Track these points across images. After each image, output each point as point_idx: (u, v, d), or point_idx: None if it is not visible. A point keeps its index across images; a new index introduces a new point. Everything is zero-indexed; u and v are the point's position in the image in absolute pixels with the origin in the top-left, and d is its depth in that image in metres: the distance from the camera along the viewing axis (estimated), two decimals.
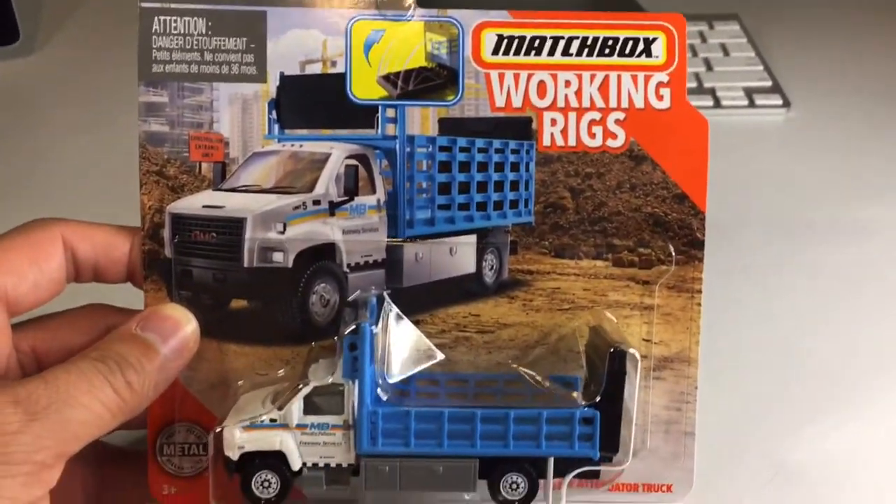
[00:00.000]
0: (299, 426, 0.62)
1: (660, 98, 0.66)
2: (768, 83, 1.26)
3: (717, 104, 1.22)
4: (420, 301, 0.67)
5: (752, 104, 1.22)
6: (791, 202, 1.03)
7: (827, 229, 0.99)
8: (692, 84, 1.25)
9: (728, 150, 1.08)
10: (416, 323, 0.67)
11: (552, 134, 0.66)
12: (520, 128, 0.66)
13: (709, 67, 1.30)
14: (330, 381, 0.61)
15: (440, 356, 0.64)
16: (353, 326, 0.61)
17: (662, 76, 0.66)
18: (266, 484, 0.62)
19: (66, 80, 1.30)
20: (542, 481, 0.63)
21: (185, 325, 0.62)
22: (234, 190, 0.66)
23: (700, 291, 0.68)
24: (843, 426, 0.77)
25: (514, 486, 0.63)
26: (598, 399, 0.62)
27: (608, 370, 0.62)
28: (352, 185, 0.66)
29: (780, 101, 1.23)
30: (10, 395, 0.54)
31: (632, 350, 0.62)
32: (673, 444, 0.69)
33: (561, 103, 0.66)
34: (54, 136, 1.17)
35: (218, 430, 0.63)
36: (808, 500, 0.70)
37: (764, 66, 1.30)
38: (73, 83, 1.28)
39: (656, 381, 0.68)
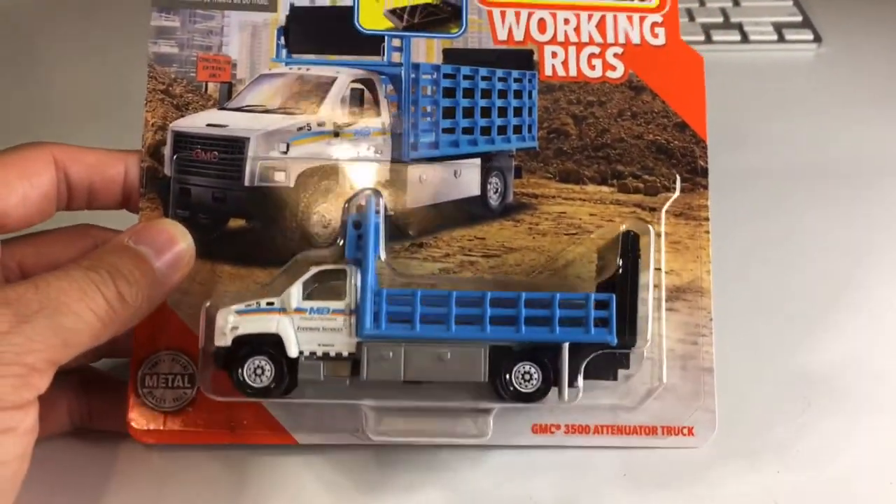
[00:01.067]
0: (298, 310, 0.58)
1: (655, 36, 0.69)
2: (798, 18, 1.18)
3: (745, 39, 1.13)
4: (424, 223, 0.65)
5: (781, 39, 1.14)
6: (821, 140, 0.97)
7: (856, 165, 0.93)
8: (718, 19, 1.16)
9: (756, 86, 1.03)
10: (420, 246, 0.65)
11: (553, 65, 0.68)
12: (522, 59, 0.68)
13: (735, 2, 1.20)
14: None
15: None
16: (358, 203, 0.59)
17: (657, 17, 0.69)
18: (259, 371, 0.57)
19: (71, 16, 1.19)
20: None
21: (180, 240, 0.60)
22: (239, 109, 0.67)
23: (707, 219, 0.66)
24: (875, 348, 0.73)
25: (528, 376, 0.58)
26: (613, 283, 0.59)
27: (621, 252, 0.60)
28: (357, 108, 0.67)
29: (810, 37, 1.15)
30: (0, 297, 0.51)
31: (648, 226, 0.60)
32: (692, 382, 0.65)
33: (561, 38, 0.69)
34: (57, 73, 1.09)
35: (207, 304, 0.59)
36: (846, 430, 0.65)
37: (793, 1, 1.21)
38: (78, 19, 1.19)
39: (669, 312, 0.65)
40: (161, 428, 0.62)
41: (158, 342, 0.63)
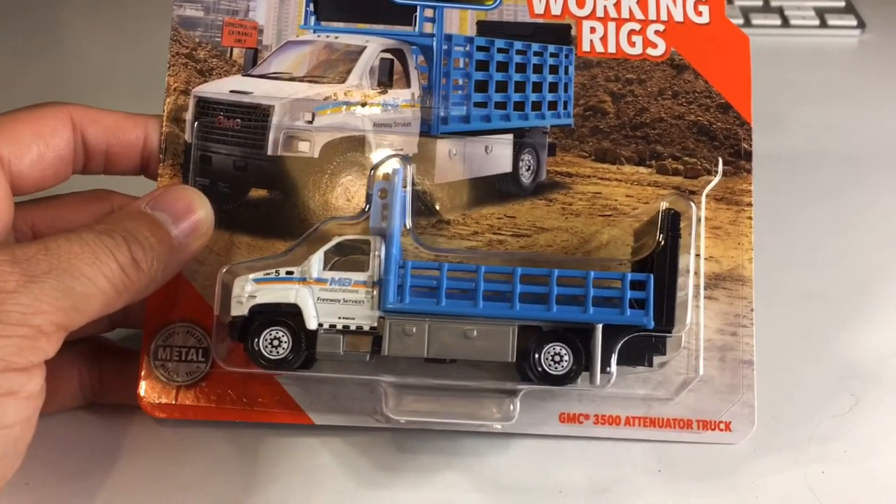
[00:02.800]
0: (319, 280, 0.55)
1: (699, 14, 0.66)
2: (841, 3, 1.14)
3: (786, 24, 1.09)
4: (453, 199, 0.62)
5: (823, 24, 1.10)
6: (864, 127, 0.93)
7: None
8: (758, 2, 1.13)
9: (797, 72, 1.00)
10: (447, 223, 0.62)
11: (591, 41, 0.65)
12: (559, 33, 0.65)
13: None
14: None
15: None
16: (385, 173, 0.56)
17: None
18: (276, 343, 0.54)
19: None
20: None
21: (198, 207, 0.57)
22: (264, 76, 0.64)
23: (750, 204, 0.63)
24: None
25: (558, 357, 0.55)
26: (650, 262, 0.56)
27: (661, 231, 0.56)
28: (386, 78, 0.64)
29: (854, 22, 1.11)
30: (7, 255, 0.48)
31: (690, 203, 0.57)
32: (730, 374, 0.61)
33: (600, 13, 0.66)
34: (79, 37, 1.07)
35: (224, 270, 0.56)
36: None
37: None
38: None
39: (708, 300, 0.62)
40: (173, 402, 0.60)
41: (173, 314, 0.61)
